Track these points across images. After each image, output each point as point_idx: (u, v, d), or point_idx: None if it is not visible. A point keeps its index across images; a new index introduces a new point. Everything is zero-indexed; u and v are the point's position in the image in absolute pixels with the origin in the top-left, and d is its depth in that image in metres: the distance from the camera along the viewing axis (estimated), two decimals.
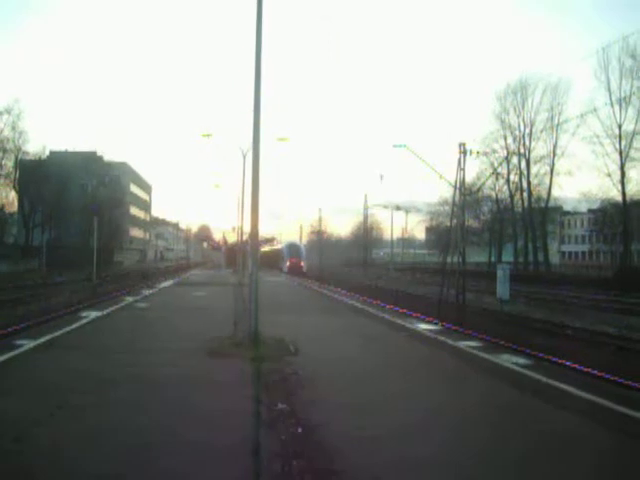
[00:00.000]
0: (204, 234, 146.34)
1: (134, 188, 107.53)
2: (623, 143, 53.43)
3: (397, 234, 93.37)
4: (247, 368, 8.78)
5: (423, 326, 15.19)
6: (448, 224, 30.32)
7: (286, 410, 6.37)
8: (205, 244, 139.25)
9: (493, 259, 69.35)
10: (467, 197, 29.96)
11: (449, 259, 26.36)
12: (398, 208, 72.57)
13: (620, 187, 53.99)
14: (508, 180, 64.87)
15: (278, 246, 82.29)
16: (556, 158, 61.07)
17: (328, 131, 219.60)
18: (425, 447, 5.36)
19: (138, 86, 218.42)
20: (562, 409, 6.79)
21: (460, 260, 24.81)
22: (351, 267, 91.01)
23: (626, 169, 53.62)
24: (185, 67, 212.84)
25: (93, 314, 15.89)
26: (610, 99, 53.16)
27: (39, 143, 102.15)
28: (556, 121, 59.68)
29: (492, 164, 59.41)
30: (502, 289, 30.49)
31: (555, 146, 61.21)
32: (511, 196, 65.96)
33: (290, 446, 5.20)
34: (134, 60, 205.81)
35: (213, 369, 8.76)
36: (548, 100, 61.44)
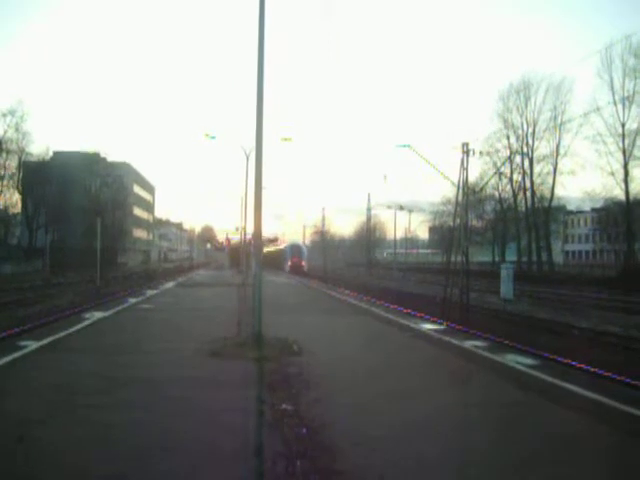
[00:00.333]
0: (208, 235, 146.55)
1: (137, 189, 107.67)
2: (626, 142, 53.25)
3: (400, 234, 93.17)
4: (251, 368, 8.77)
5: (427, 326, 15.16)
6: (451, 224, 30.20)
7: (290, 410, 6.34)
8: (209, 245, 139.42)
9: (496, 259, 69.22)
10: (470, 197, 29.84)
11: (452, 259, 26.27)
12: (401, 208, 72.31)
13: (623, 186, 53.82)
14: (511, 179, 64.76)
15: (280, 246, 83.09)
16: (559, 157, 60.91)
17: (331, 131, 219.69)
18: (429, 447, 5.33)
19: (141, 87, 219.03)
20: (568, 409, 6.76)
21: (463, 260, 24.72)
22: (354, 267, 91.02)
23: (629, 168, 53.45)
24: (188, 68, 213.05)
25: (97, 315, 15.90)
26: (613, 98, 53.01)
27: (43, 144, 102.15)
28: (559, 120, 59.56)
29: (495, 164, 59.21)
30: (506, 289, 30.44)
31: (558, 145, 61.03)
32: (514, 195, 65.80)
33: (294, 446, 5.18)
34: (138, 61, 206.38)
35: (217, 369, 8.74)
36: (551, 99, 61.26)
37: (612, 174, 54.16)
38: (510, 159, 60.70)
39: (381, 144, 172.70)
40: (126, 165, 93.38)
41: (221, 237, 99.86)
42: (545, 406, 6.99)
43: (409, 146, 26.13)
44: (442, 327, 15.66)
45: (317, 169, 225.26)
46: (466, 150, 24.30)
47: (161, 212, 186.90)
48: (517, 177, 64.80)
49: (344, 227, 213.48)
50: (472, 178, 42.17)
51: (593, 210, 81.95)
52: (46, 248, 58.41)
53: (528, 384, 8.09)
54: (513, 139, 64.37)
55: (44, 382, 7.65)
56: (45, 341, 10.94)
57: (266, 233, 77.14)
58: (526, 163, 63.22)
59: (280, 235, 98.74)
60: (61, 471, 4.67)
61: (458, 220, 25.98)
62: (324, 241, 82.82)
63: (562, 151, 60.64)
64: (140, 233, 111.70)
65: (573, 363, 11.96)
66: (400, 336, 13.18)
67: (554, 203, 64.96)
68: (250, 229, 38.42)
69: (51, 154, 74.50)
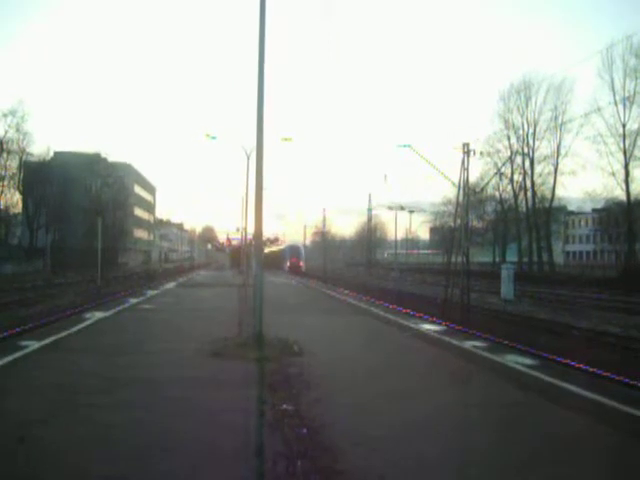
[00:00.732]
0: (208, 235, 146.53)
1: (138, 189, 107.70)
2: (627, 142, 53.21)
3: (401, 234, 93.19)
4: (251, 368, 8.78)
5: (427, 326, 15.17)
6: (452, 224, 30.22)
7: (290, 410, 6.36)
8: (209, 245, 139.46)
9: (497, 259, 69.17)
10: (471, 197, 29.87)
11: (453, 259, 26.28)
12: (402, 208, 72.19)
13: (624, 186, 53.78)
14: (512, 180, 64.66)
15: (279, 247, 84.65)
16: (560, 158, 60.86)
17: (332, 132, 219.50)
18: (429, 447, 5.35)
19: (142, 87, 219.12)
20: (567, 409, 6.77)
21: (464, 260, 24.73)
22: (355, 267, 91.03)
23: (630, 168, 53.42)
24: (189, 68, 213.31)
25: (98, 315, 15.93)
26: (614, 98, 52.97)
27: (43, 144, 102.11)
28: (560, 120, 59.50)
29: (496, 164, 59.22)
30: (506, 289, 30.46)
31: (559, 146, 60.99)
32: (515, 196, 65.75)
33: (294, 446, 5.19)
34: (138, 61, 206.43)
35: (217, 370, 8.76)
36: (552, 99, 61.18)
37: (613, 174, 54.20)
38: (511, 159, 60.61)
39: (382, 144, 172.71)
40: (127, 165, 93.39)
41: (222, 237, 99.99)
42: (545, 406, 7.01)
43: (410, 146, 26.13)
44: (442, 327, 15.67)
45: (318, 169, 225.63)
46: (467, 150, 24.30)
47: (162, 212, 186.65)
48: (518, 177, 64.79)
49: (345, 227, 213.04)
50: (473, 178, 42.27)
51: (594, 210, 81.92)
52: (47, 248, 58.52)
53: (528, 384, 8.11)
54: (514, 139, 64.38)
55: (45, 382, 7.67)
56: (46, 341, 10.97)
57: (267, 233, 77.56)
58: (527, 163, 63.24)
59: (281, 235, 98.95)
60: (62, 471, 4.69)
61: (459, 220, 25.98)
62: (325, 241, 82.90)
63: (563, 151, 60.68)
64: (141, 233, 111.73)
65: (573, 363, 11.96)
66: (400, 336, 13.20)
67: (555, 203, 64.95)
68: (251, 229, 38.42)
69: (52, 154, 74.48)
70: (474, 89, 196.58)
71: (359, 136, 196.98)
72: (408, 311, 21.43)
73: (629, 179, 53.51)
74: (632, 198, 54.48)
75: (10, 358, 9.15)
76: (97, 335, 12.56)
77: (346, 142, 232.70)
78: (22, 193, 69.07)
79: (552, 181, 61.84)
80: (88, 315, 16.06)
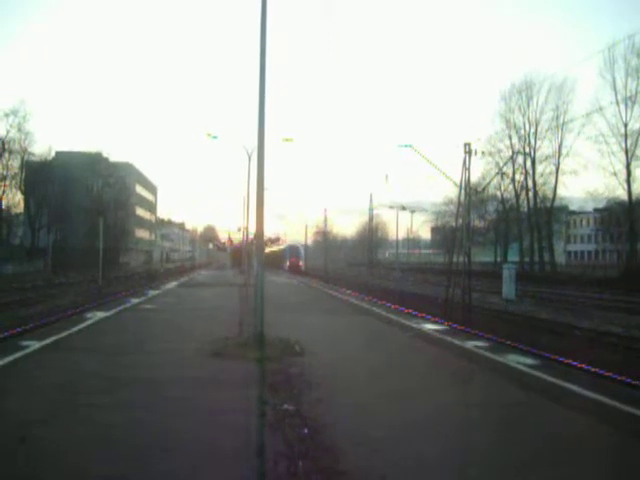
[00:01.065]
0: (210, 235, 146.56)
1: (139, 189, 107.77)
2: (629, 142, 53.12)
3: (402, 234, 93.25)
4: (252, 368, 8.77)
5: (429, 326, 15.15)
6: (453, 224, 30.22)
7: (291, 410, 6.34)
8: (211, 245, 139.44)
9: (499, 259, 69.13)
10: (472, 197, 29.86)
11: (455, 259, 26.26)
12: (403, 208, 72.13)
13: (626, 186, 53.66)
14: (513, 180, 64.63)
15: (280, 247, 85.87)
16: (561, 157, 60.80)
17: (333, 132, 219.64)
18: (431, 447, 5.33)
19: (144, 87, 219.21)
20: (569, 409, 6.76)
21: (466, 260, 24.71)
22: (356, 267, 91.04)
23: (632, 168, 53.30)
24: (190, 68, 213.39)
25: (99, 315, 15.92)
26: (616, 98, 52.89)
27: (45, 144, 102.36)
28: (561, 120, 59.44)
29: (497, 164, 59.28)
30: (508, 289, 30.43)
31: (560, 145, 60.92)
32: (516, 196, 65.69)
33: (295, 446, 5.18)
34: (140, 61, 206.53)
35: (218, 370, 8.75)
36: (553, 99, 61.14)
37: (614, 174, 54.12)
38: (512, 159, 60.59)
39: (383, 144, 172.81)
40: (128, 165, 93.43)
41: (223, 237, 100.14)
42: (547, 406, 6.99)
43: (411, 146, 26.14)
44: (444, 327, 15.65)
45: (319, 169, 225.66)
46: (468, 150, 24.29)
47: (163, 212, 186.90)
48: (519, 177, 64.74)
49: (346, 227, 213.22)
50: (474, 178, 42.35)
51: (595, 210, 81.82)
52: (48, 248, 58.57)
53: (530, 384, 8.09)
54: (515, 139, 64.34)
55: (46, 382, 7.65)
56: (47, 341, 10.96)
57: (268, 233, 77.99)
58: (528, 163, 63.15)
59: (282, 235, 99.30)
60: (62, 471, 4.68)
61: (460, 220, 25.97)
62: (326, 241, 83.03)
63: (564, 151, 60.62)
64: (142, 233, 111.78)
65: (574, 363, 11.95)
66: (401, 336, 13.18)
67: (556, 203, 64.90)
68: (252, 229, 38.43)
69: (53, 154, 74.55)
70: (475, 89, 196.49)
71: (360, 136, 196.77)
72: (410, 311, 21.41)
73: (631, 179, 53.49)
74: (634, 198, 54.42)
75: (11, 358, 9.14)
76: (98, 335, 12.56)
77: (347, 142, 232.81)
78: (24, 193, 69.14)
79: (554, 181, 61.85)
80: (89, 315, 16.06)
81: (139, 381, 7.81)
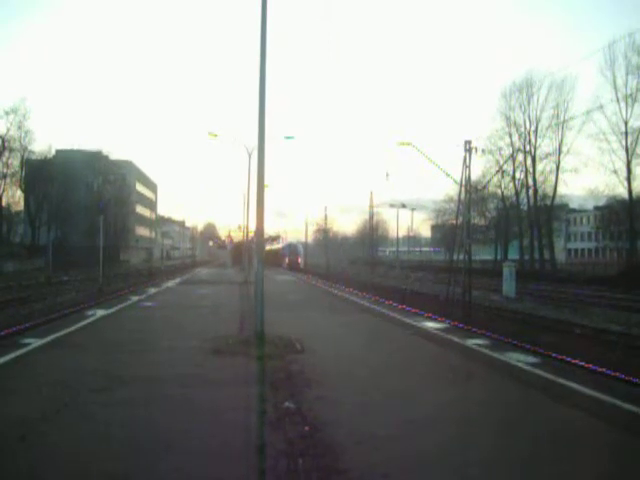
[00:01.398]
0: (210, 232, 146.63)
1: (140, 187, 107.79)
2: (629, 140, 53.10)
3: (403, 232, 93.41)
4: (253, 366, 8.77)
5: (430, 324, 15.15)
6: (454, 222, 30.25)
7: (292, 408, 6.35)
8: (211, 242, 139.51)
9: (499, 257, 69.13)
10: (473, 195, 29.87)
11: (455, 257, 26.27)
12: (404, 206, 72.33)
13: (626, 184, 53.68)
14: (514, 177, 64.57)
15: (279, 245, 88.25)
16: (562, 155, 60.67)
17: (333, 129, 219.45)
18: (432, 445, 5.33)
19: (144, 85, 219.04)
20: (570, 407, 6.75)
21: (466, 258, 24.71)
22: (357, 265, 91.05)
23: (632, 166, 53.27)
24: (191, 66, 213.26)
25: (99, 313, 15.93)
26: (616, 96, 52.87)
27: (45, 142, 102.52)
28: (562, 118, 59.31)
29: (498, 161, 59.23)
30: (508, 287, 30.51)
31: (561, 143, 60.78)
32: (517, 193, 65.64)
33: (296, 444, 5.18)
34: (140, 59, 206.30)
35: (219, 367, 8.75)
36: (554, 97, 61.03)
37: (615, 172, 54.12)
38: (512, 157, 60.55)
39: (383, 142, 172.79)
40: (128, 163, 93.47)
41: (223, 235, 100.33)
42: (547, 404, 6.99)
43: (411, 144, 26.12)
44: (444, 325, 15.64)
45: (319, 167, 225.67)
46: (469, 148, 24.27)
47: (163, 210, 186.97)
48: (520, 175, 64.65)
49: (347, 225, 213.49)
50: (475, 176, 42.27)
51: (596, 208, 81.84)
52: (49, 246, 58.49)
53: (530, 382, 8.08)
54: (515, 137, 64.20)
55: (47, 380, 7.65)
56: (48, 339, 10.97)
57: (268, 231, 78.43)
58: (529, 161, 63.03)
59: (282, 233, 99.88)
60: (64, 469, 4.68)
61: (461, 218, 25.96)
62: (326, 239, 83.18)
63: (565, 149, 60.50)
64: (142, 231, 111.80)
65: (575, 361, 11.94)
66: (402, 334, 13.18)
67: (557, 201, 64.81)
68: (252, 227, 38.42)
69: (53, 152, 74.58)
70: (475, 87, 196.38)
71: (360, 134, 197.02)
72: (410, 309, 21.40)
73: (631, 177, 53.48)
74: (634, 196, 54.46)
75: (12, 356, 9.15)
76: (99, 333, 12.56)
77: (347, 140, 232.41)
78: (24, 191, 69.19)
79: (554, 179, 61.73)
80: (90, 313, 16.06)
81: (140, 379, 7.81)
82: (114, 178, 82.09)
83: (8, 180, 65.53)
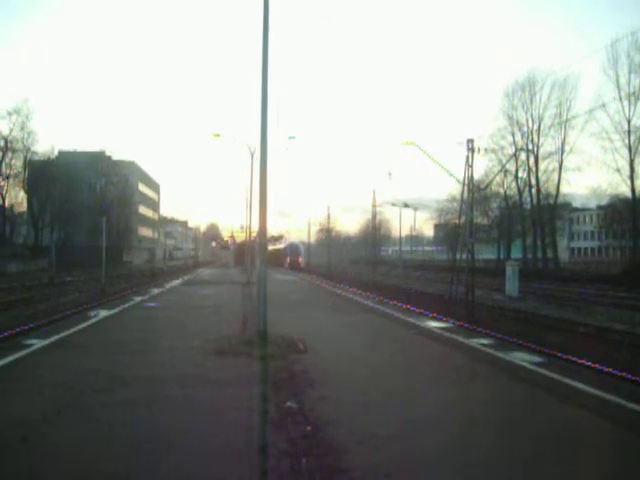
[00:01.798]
0: (213, 233, 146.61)
1: (142, 187, 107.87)
2: (632, 138, 52.99)
3: (405, 232, 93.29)
4: (256, 366, 8.76)
5: (433, 323, 15.12)
6: (457, 221, 30.19)
7: (294, 408, 6.32)
8: (214, 243, 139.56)
9: (502, 256, 69.03)
10: (475, 194, 29.77)
11: (458, 256, 26.23)
12: (406, 205, 72.26)
13: (629, 183, 53.56)
14: (516, 176, 64.49)
15: (281, 245, 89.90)
16: (565, 154, 60.56)
17: (336, 129, 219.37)
18: (435, 445, 5.30)
19: (146, 85, 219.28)
20: (575, 407, 6.72)
21: (469, 257, 24.67)
22: (360, 265, 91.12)
23: (635, 165, 53.16)
24: (193, 67, 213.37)
25: (102, 313, 15.94)
26: (619, 94, 52.80)
27: (48, 143, 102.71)
28: (564, 117, 59.24)
29: (500, 160, 59.13)
30: (511, 286, 30.47)
31: (564, 142, 60.67)
32: (520, 192, 65.49)
33: (298, 444, 5.16)
34: (142, 59, 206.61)
35: (221, 367, 8.73)
36: (556, 96, 60.92)
37: (618, 171, 54.03)
38: (515, 156, 60.39)
39: (386, 141, 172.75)
40: (131, 163, 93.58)
41: (226, 235, 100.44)
42: (552, 404, 6.95)
43: (414, 144, 26.10)
44: (447, 325, 15.61)
45: (322, 167, 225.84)
46: (471, 147, 24.25)
47: (166, 210, 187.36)
48: (522, 174, 64.53)
49: (349, 224, 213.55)
50: (477, 175, 42.09)
51: (599, 207, 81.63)
52: (52, 247, 58.54)
53: (535, 382, 8.05)
54: (518, 136, 64.13)
55: (49, 380, 7.64)
56: (50, 339, 10.97)
57: (271, 231, 78.69)
58: (531, 160, 62.95)
59: (285, 233, 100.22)
60: (66, 470, 4.66)
61: (463, 217, 25.92)
62: (329, 239, 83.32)
63: (567, 148, 60.38)
64: (145, 231, 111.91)
65: (579, 360, 11.90)
66: (405, 334, 13.14)
67: (560, 200, 64.70)
68: (255, 227, 38.39)
69: (56, 153, 74.78)
70: (478, 86, 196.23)
71: (363, 133, 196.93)
72: (413, 308, 21.39)
73: (634, 175, 53.35)
74: (637, 194, 54.25)
75: (14, 357, 9.14)
76: (101, 333, 12.56)
77: (350, 139, 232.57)
78: (27, 192, 69.36)
79: (557, 178, 61.66)
80: (93, 313, 16.07)
81: (142, 379, 7.80)
82: (117, 179, 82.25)
83: (11, 181, 65.85)
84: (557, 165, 61.35)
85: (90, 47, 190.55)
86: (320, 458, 4.85)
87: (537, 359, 9.84)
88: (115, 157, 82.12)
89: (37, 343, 10.44)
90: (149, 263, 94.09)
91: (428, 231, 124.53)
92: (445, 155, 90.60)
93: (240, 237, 74.84)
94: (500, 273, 36.35)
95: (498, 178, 59.73)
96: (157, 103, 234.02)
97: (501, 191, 66.77)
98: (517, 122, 63.58)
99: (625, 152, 53.37)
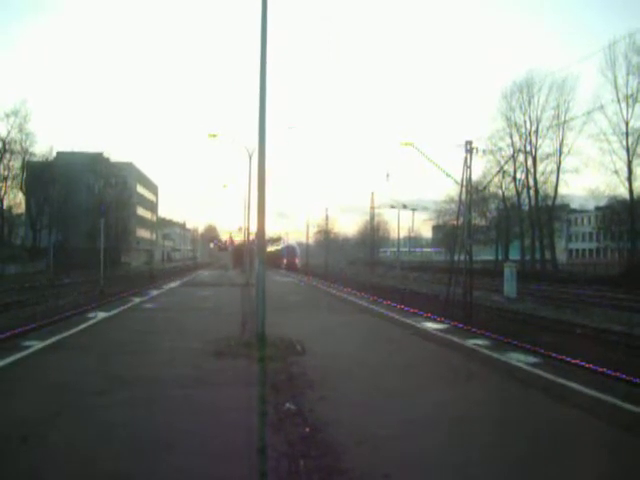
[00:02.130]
0: (211, 234, 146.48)
1: (140, 189, 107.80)
2: (630, 140, 53.11)
3: (404, 233, 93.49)
4: (254, 368, 8.78)
5: (430, 324, 15.16)
6: (455, 222, 30.23)
7: (293, 409, 6.36)
8: (212, 244, 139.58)
9: (500, 257, 69.09)
10: (474, 195, 29.85)
11: (456, 257, 26.27)
12: (405, 207, 72.37)
13: (627, 184, 53.66)
14: (515, 178, 64.56)
15: (278, 247, 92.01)
16: (563, 156, 60.68)
17: (334, 130, 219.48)
18: (432, 445, 5.35)
19: (144, 87, 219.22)
20: (571, 407, 6.76)
21: (467, 258, 24.72)
22: (358, 266, 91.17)
23: (633, 166, 53.27)
24: (191, 67, 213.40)
25: (101, 315, 15.95)
26: (617, 96, 52.91)
27: (46, 144, 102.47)
28: (562, 118, 59.36)
29: (498, 162, 59.19)
30: (509, 287, 30.53)
31: (562, 144, 60.78)
32: (518, 194, 65.56)
33: (297, 445, 5.20)
34: (140, 61, 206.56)
35: (220, 369, 8.76)
36: (554, 97, 61.06)
37: (616, 172, 54.14)
38: (513, 157, 60.50)
39: (384, 143, 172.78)
40: (129, 165, 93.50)
41: (224, 237, 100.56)
42: (548, 404, 7.00)
43: (412, 145, 26.14)
44: (445, 325, 15.65)
45: (320, 168, 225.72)
46: (469, 148, 24.29)
47: (164, 212, 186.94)
48: (520, 175, 64.65)
49: (347, 226, 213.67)
50: (475, 176, 42.28)
51: (597, 208, 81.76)
52: (50, 248, 58.58)
53: (531, 382, 8.09)
54: (516, 137, 64.20)
55: (48, 381, 7.68)
56: (49, 341, 10.99)
57: (269, 232, 78.74)
58: (529, 161, 63.01)
59: (284, 234, 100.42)
60: (66, 470, 4.69)
61: (461, 219, 25.97)
62: (327, 240, 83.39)
63: (565, 149, 60.52)
64: (143, 233, 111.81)
65: (576, 361, 11.95)
66: (402, 335, 13.18)
67: (558, 201, 64.81)
68: (253, 229, 38.42)
69: (54, 154, 74.68)
70: (476, 87, 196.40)
71: (361, 134, 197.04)
72: (410, 309, 21.43)
73: (632, 177, 53.48)
74: (635, 196, 54.42)
75: (13, 358, 9.17)
76: (100, 334, 12.58)
77: (348, 140, 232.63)
78: (25, 193, 69.28)
79: (555, 179, 61.75)
80: (91, 315, 16.09)
81: (142, 380, 7.83)
82: (115, 180, 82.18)
83: (9, 182, 65.71)
84: (555, 166, 61.52)
85: (88, 48, 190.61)
86: (319, 459, 4.88)
87: (533, 360, 9.89)
88: (113, 158, 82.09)
89: (37, 344, 10.47)
90: (147, 265, 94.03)
91: (426, 232, 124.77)
92: (443, 156, 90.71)
93: (238, 238, 75.03)
94: (498, 274, 36.38)
95: (496, 179, 59.84)
96: (155, 104, 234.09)
97: (499, 192, 66.88)
98: (515, 124, 63.74)
99: (623, 154, 53.55)
